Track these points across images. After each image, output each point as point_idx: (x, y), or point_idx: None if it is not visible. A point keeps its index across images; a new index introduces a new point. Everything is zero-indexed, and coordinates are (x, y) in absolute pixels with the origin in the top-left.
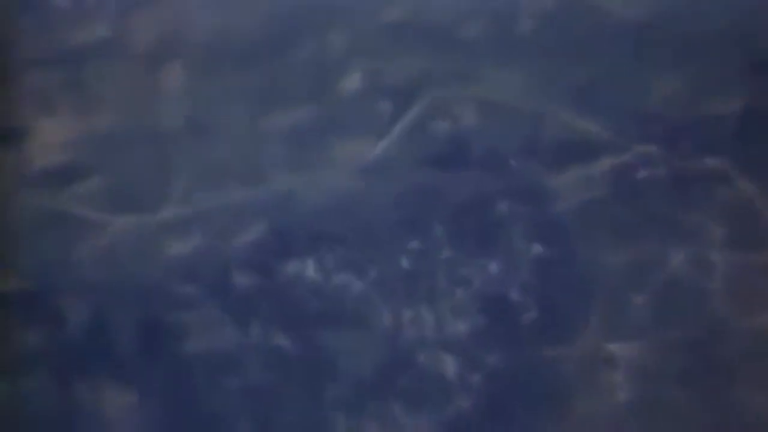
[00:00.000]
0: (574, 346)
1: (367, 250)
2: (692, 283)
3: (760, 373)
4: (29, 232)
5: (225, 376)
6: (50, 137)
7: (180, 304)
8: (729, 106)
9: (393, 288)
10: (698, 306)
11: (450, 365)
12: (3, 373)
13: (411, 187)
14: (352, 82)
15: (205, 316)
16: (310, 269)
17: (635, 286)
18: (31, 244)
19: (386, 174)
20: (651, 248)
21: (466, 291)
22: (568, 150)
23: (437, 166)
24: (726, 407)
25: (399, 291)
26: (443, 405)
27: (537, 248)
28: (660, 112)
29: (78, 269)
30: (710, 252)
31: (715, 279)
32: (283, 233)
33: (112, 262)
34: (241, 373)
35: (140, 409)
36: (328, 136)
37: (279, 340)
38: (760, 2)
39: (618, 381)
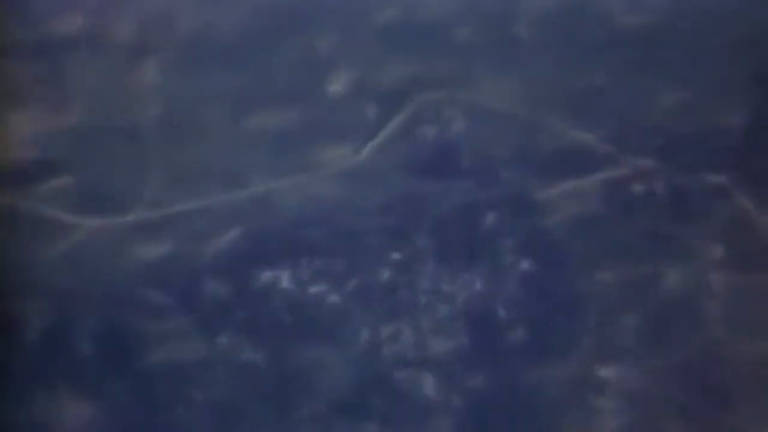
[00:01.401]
0: (563, 368)
1: (346, 260)
2: (688, 304)
3: (759, 401)
4: None
5: (191, 390)
6: (20, 131)
7: (147, 312)
8: (732, 120)
9: (372, 301)
10: (694, 328)
11: (430, 386)
12: None
13: (395, 195)
14: (339, 83)
15: (173, 326)
16: (285, 279)
17: (628, 306)
18: None
19: (370, 181)
20: (646, 266)
21: (449, 307)
22: (562, 161)
23: (424, 173)
24: None
25: (378, 305)
26: (421, 428)
27: (525, 264)
28: (659, 124)
29: (40, 272)
30: (708, 272)
31: (712, 300)
32: (259, 240)
33: (77, 265)
34: (207, 387)
35: (100, 422)
36: (311, 139)
37: (249, 354)
38: (766, 14)
39: (608, 406)
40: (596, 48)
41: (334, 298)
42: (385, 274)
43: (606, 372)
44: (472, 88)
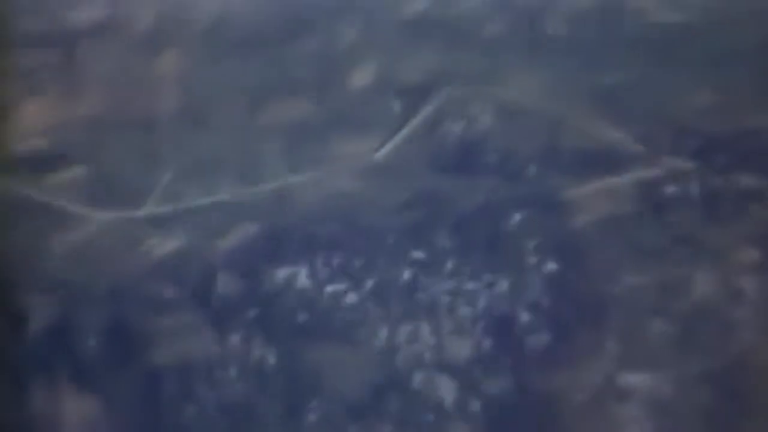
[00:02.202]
0: (587, 374)
1: (366, 258)
2: (720, 310)
3: None
4: None
5: (199, 389)
6: (33, 120)
7: (156, 307)
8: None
9: (391, 301)
10: (726, 335)
11: (448, 390)
12: None
13: (417, 192)
14: (362, 76)
15: (183, 322)
16: (301, 277)
17: (657, 311)
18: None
19: (391, 177)
20: (676, 271)
21: (470, 309)
22: (592, 160)
23: (447, 170)
24: None
25: (397, 305)
26: None
27: (551, 265)
28: (694, 123)
29: (48, 264)
30: (741, 277)
31: (745, 307)
32: (275, 236)
33: (85, 258)
34: (217, 386)
35: (104, 420)
36: (332, 133)
37: (261, 352)
38: None
39: (633, 415)
40: (629, 45)
41: (351, 298)
42: (405, 274)
43: (632, 379)
44: (500, 84)
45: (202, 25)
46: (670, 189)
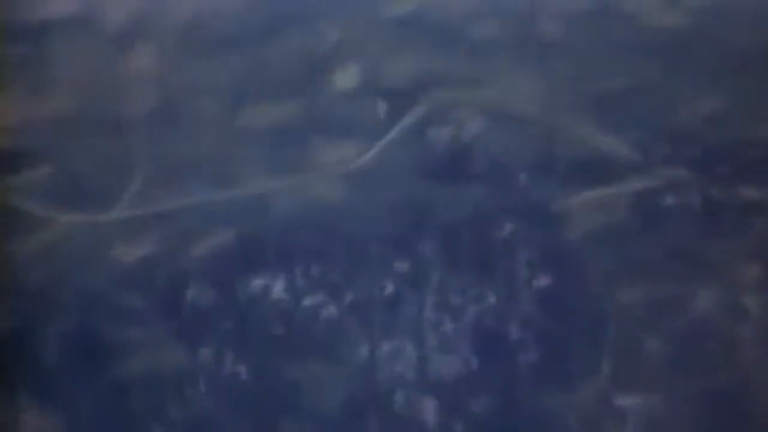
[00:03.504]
0: (580, 394)
1: (346, 269)
2: (720, 328)
3: None
4: None
5: (168, 405)
6: None
7: (123, 317)
8: None
9: (372, 316)
10: (726, 355)
11: (431, 410)
12: None
13: (402, 200)
14: (345, 78)
15: (151, 334)
16: (278, 288)
17: (654, 328)
18: None
19: (375, 184)
20: (674, 286)
21: (457, 324)
22: (586, 169)
23: (434, 178)
24: None
25: (379, 319)
26: None
27: (543, 279)
28: (693, 131)
29: (9, 269)
30: (742, 293)
31: (746, 324)
32: (251, 244)
33: (50, 264)
34: (186, 402)
35: None
36: (313, 137)
37: (234, 367)
38: None
39: None
40: (624, 49)
41: (330, 311)
42: (388, 287)
43: (628, 400)
44: (489, 88)
45: (178, 21)
46: (668, 200)
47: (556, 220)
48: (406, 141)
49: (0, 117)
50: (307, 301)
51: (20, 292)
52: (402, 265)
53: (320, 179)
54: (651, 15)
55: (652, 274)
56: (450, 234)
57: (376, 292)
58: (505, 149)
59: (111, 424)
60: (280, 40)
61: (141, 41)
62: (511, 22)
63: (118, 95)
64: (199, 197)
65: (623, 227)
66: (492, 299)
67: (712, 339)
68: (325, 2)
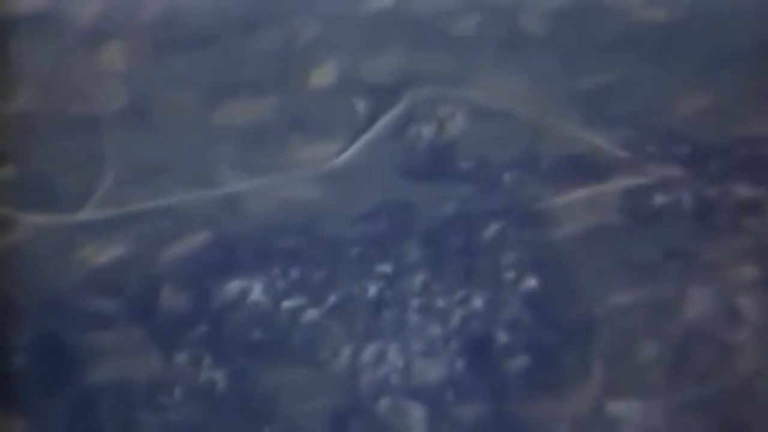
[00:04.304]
0: (571, 401)
1: (327, 272)
2: (716, 332)
3: None
4: None
5: (141, 414)
6: None
7: (93, 322)
8: (763, 127)
9: (354, 319)
10: (723, 360)
11: (417, 417)
12: None
13: (383, 200)
14: (323, 75)
15: (123, 339)
16: (256, 291)
17: (647, 332)
18: None
19: (355, 183)
20: (667, 288)
21: (442, 328)
22: (573, 167)
23: (416, 177)
24: None
25: (361, 323)
26: None
27: (530, 281)
28: (684, 128)
29: None
30: (737, 295)
31: (742, 328)
32: (227, 246)
33: (15, 266)
34: (160, 411)
35: None
36: (290, 135)
37: (210, 374)
38: None
39: None
40: (611, 44)
41: (311, 314)
42: (370, 289)
43: (620, 407)
44: (472, 85)
45: (149, 17)
46: (659, 199)
47: (543, 220)
48: (386, 140)
49: None
50: (287, 305)
51: None
52: (384, 267)
53: (299, 178)
54: (636, 8)
55: (645, 275)
56: (434, 235)
57: (358, 295)
58: (489, 148)
59: None
60: (254, 38)
61: (111, 37)
62: (493, 17)
63: (88, 93)
64: (172, 197)
65: (613, 227)
66: (478, 302)
67: (707, 343)
68: None
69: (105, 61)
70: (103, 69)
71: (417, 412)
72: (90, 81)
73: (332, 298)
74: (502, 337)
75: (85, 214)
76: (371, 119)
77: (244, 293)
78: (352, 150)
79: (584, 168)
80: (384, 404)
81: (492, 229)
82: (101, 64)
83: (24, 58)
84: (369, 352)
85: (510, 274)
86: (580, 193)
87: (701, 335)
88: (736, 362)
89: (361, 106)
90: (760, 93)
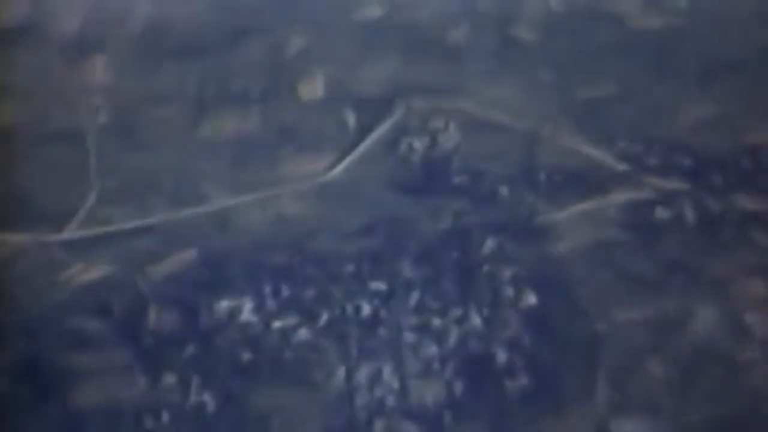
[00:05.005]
0: (575, 422)
1: (319, 290)
2: (723, 349)
3: None
4: None
5: None
6: None
7: (78, 343)
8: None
9: (348, 339)
10: (731, 378)
11: None
12: None
13: (376, 215)
14: (312, 87)
15: (108, 361)
16: (246, 310)
17: (652, 350)
18: None
19: (347, 198)
20: (673, 305)
21: (439, 347)
22: (571, 180)
23: (410, 191)
24: None
25: (355, 343)
26: None
27: (530, 298)
28: (685, 139)
29: None
30: (745, 312)
31: (750, 345)
32: (215, 264)
33: None
34: None
35: None
36: (279, 149)
37: (199, 396)
38: None
39: None
40: (607, 53)
41: (303, 334)
42: (364, 308)
43: (625, 429)
44: (465, 96)
45: (133, 29)
46: (661, 213)
47: (543, 235)
48: (378, 153)
49: None
50: (278, 324)
51: None
52: (378, 285)
53: (288, 194)
54: (635, 16)
55: (649, 291)
56: (428, 251)
57: (351, 314)
58: (485, 161)
59: None
60: (242, 49)
61: (94, 50)
62: (487, 26)
63: (70, 107)
64: (158, 214)
65: (614, 241)
66: (476, 320)
67: (715, 361)
68: (287, 8)
69: (89, 74)
70: (86, 82)
71: None
72: (73, 94)
73: (325, 317)
74: (502, 357)
75: (69, 233)
76: (362, 132)
77: (234, 313)
78: (343, 164)
79: (583, 181)
80: (379, 427)
81: (489, 245)
82: (85, 77)
83: (6, 70)
84: (363, 372)
85: (509, 291)
86: (579, 208)
87: (709, 353)
88: (745, 381)
89: (351, 118)
90: (763, 101)
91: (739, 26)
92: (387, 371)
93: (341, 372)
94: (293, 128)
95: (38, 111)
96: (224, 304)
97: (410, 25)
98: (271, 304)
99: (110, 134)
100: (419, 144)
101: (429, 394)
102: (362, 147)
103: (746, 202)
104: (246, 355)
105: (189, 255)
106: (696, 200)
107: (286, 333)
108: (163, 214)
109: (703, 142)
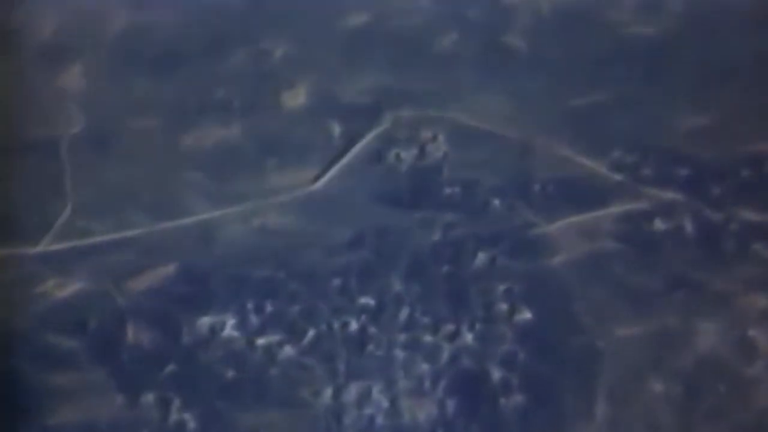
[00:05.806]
0: None
1: (304, 305)
2: (727, 365)
3: None
4: None
5: None
6: None
7: (52, 361)
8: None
9: (335, 356)
10: (735, 395)
11: None
12: None
13: (364, 228)
14: (296, 96)
15: (84, 379)
16: (228, 326)
17: (652, 366)
18: None
19: (333, 210)
20: (673, 320)
21: (431, 365)
22: (567, 192)
23: (398, 204)
24: None
25: (343, 361)
26: None
27: (525, 313)
28: (683, 149)
29: None
30: (748, 327)
31: (756, 361)
32: (196, 279)
33: None
34: None
35: None
36: (263, 159)
37: (180, 416)
38: None
39: None
40: (601, 60)
41: (288, 352)
42: (352, 324)
43: None
44: (454, 105)
45: (110, 36)
46: (660, 225)
47: (537, 247)
48: (365, 164)
49: None
50: (262, 341)
51: None
52: (366, 300)
53: (273, 206)
54: (629, 22)
55: (647, 306)
56: (418, 265)
57: (338, 331)
58: (475, 172)
59: None
60: (223, 57)
61: (69, 58)
62: (476, 33)
63: (46, 116)
64: (137, 227)
65: (610, 255)
66: (469, 336)
67: (719, 378)
68: (269, 15)
69: (62, 82)
70: (62, 90)
71: None
72: (48, 103)
73: (311, 334)
74: (496, 374)
75: (44, 246)
76: (348, 143)
77: (216, 329)
78: (329, 175)
79: (578, 192)
80: None
81: (482, 259)
82: (58, 86)
83: None
84: (352, 391)
85: (502, 306)
86: (573, 220)
87: (712, 369)
88: (750, 398)
89: (336, 128)
90: (763, 108)
91: (735, 31)
92: (376, 390)
93: (329, 391)
94: (277, 139)
95: (11, 121)
96: (206, 320)
97: (397, 32)
98: (254, 320)
99: (86, 144)
100: (407, 154)
101: (421, 413)
102: (348, 158)
103: (748, 213)
104: (229, 374)
105: (169, 269)
106: (695, 211)
107: (270, 350)
108: (142, 227)
109: (701, 152)
